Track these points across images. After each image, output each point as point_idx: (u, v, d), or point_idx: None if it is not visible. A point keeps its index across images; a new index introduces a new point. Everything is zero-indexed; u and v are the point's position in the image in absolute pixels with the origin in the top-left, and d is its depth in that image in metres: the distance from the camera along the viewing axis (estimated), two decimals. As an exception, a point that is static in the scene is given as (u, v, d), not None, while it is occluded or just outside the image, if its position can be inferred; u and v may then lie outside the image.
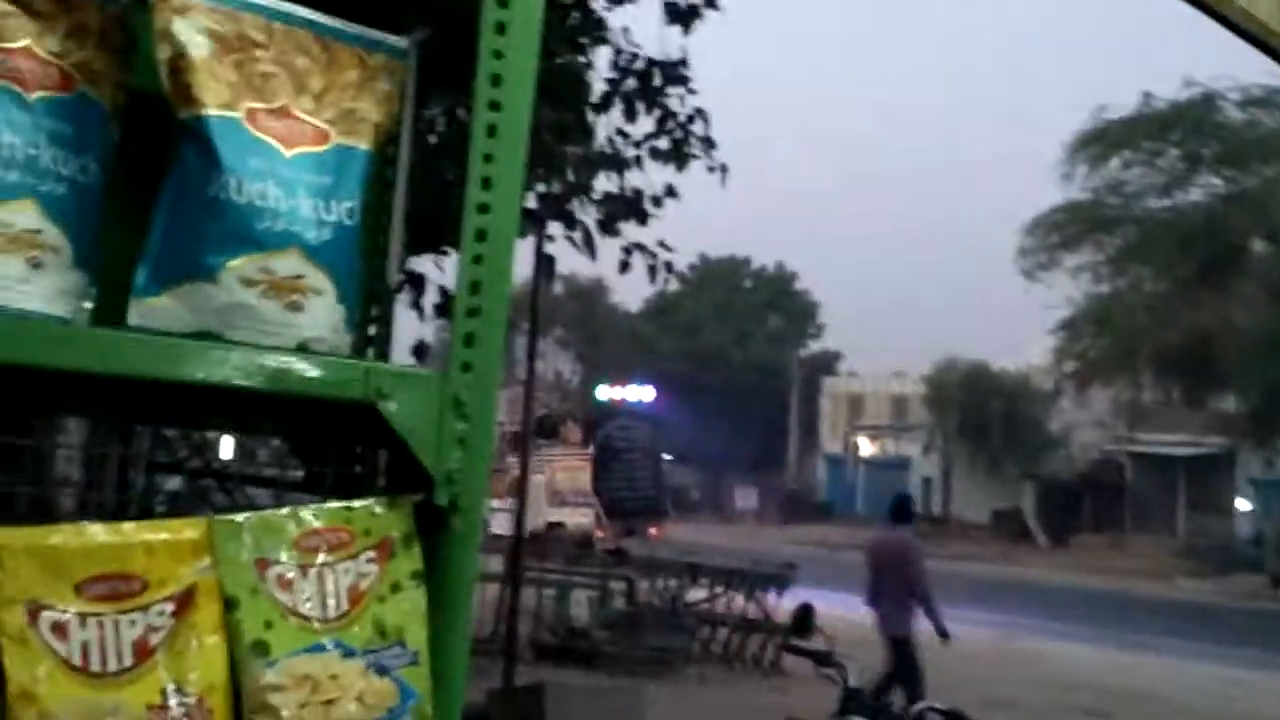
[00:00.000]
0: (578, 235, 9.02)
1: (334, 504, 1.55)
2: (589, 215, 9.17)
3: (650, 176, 9.92)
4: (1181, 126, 37.52)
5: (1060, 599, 28.20)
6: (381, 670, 1.52)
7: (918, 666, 10.84)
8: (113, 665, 1.36)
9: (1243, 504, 45.71)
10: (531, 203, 8.90)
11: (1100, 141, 38.68)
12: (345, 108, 1.59)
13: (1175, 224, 37.45)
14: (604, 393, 44.26)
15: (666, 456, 50.54)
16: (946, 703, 5.94)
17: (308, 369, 1.49)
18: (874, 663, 10.37)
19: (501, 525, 18.12)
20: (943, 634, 10.68)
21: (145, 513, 2.40)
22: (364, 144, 1.61)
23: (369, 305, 1.87)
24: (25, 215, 1.40)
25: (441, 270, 8.55)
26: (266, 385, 1.46)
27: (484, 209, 1.62)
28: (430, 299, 8.56)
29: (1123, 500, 47.93)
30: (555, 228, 9.10)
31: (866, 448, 56.52)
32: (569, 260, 10.64)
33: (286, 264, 1.50)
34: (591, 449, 30.54)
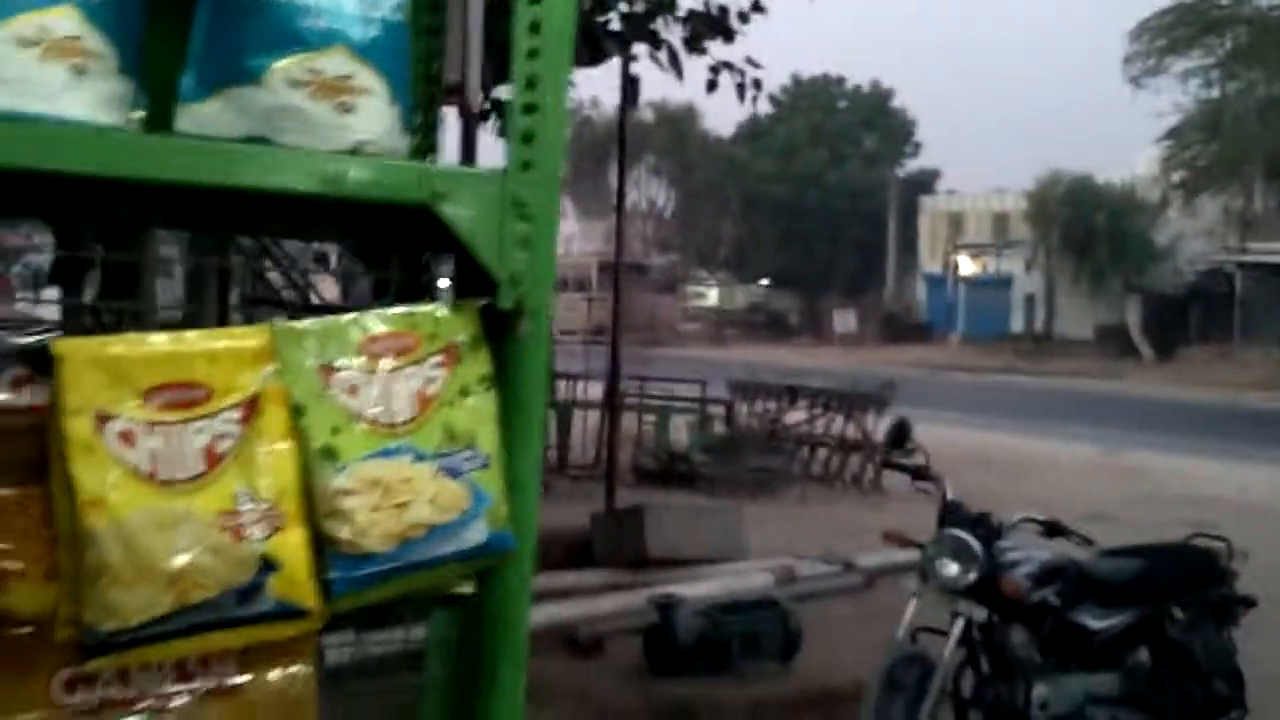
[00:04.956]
0: (663, 55, 8.80)
1: (397, 309, 1.53)
2: (674, 34, 8.93)
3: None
4: (1296, -82, 35.47)
5: (1165, 413, 27.81)
6: (453, 473, 1.51)
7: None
8: (181, 473, 1.37)
9: (1358, 311, 44.46)
10: (615, 24, 8.69)
11: (1210, -62, 36.78)
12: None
13: (1289, 23, 35.69)
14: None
15: (764, 281, 50.36)
16: (1045, 514, 5.90)
17: (361, 171, 1.45)
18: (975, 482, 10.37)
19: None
20: None
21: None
22: (408, -64, 1.55)
23: (426, 109, 1.83)
24: (64, 21, 1.37)
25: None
26: (320, 189, 1.43)
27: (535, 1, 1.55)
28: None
29: (1231, 312, 46.78)
30: (639, 49, 8.89)
31: (967, 266, 55.57)
32: (659, 86, 10.44)
33: (333, 63, 1.46)
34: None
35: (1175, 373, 41.50)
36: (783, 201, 56.91)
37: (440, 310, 1.55)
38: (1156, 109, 38.81)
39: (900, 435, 6.81)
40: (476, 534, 1.53)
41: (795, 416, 16.36)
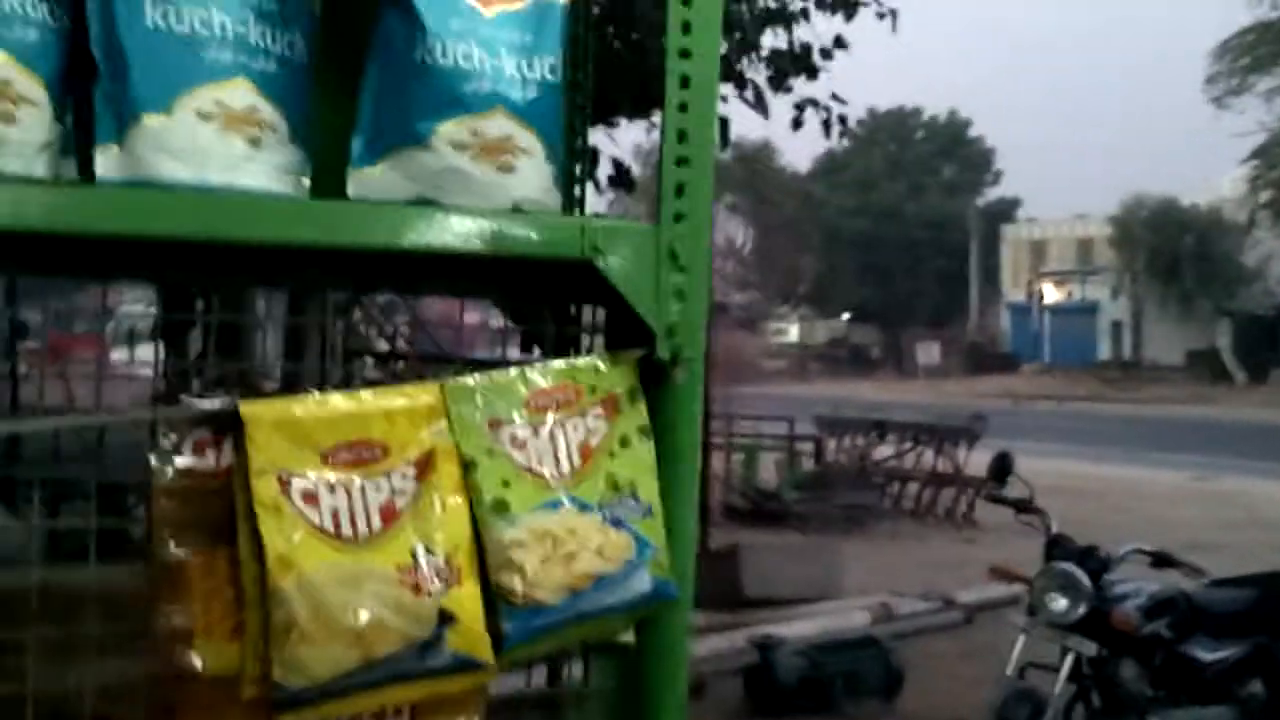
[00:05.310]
0: (748, 95, 8.85)
1: (558, 363, 1.55)
2: (758, 73, 8.98)
3: (817, 28, 9.63)
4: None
5: (1258, 437, 27.20)
6: (617, 523, 1.53)
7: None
8: (363, 529, 1.40)
9: None
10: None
11: (1291, -45, 36.20)
12: (543, -38, 1.56)
13: (1373, 37, 35.02)
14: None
15: (844, 315, 50.11)
16: (1151, 544, 5.81)
17: (525, 229, 1.48)
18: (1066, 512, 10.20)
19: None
20: None
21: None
22: (561, -2, 1.58)
23: (572, 163, 1.86)
24: (241, 94, 1.42)
25: (613, 141, 8.49)
26: (486, 248, 1.46)
27: (685, 54, 1.58)
28: (604, 171, 8.53)
29: (1328, 332, 45.83)
30: (725, 89, 8.94)
31: (1051, 294, 54.93)
32: (735, 124, 10.45)
33: (494, 125, 1.50)
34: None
35: (1268, 396, 40.62)
36: (862, 235, 56.69)
37: (600, 363, 1.57)
38: (1240, 129, 38.15)
39: (1003, 469, 6.74)
40: (641, 583, 1.55)
41: (884, 451, 16.24)
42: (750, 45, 8.96)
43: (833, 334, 57.62)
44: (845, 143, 11.28)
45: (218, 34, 1.40)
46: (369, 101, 1.49)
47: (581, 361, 1.56)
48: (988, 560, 10.21)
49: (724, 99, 8.84)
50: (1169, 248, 47.63)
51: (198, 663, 1.40)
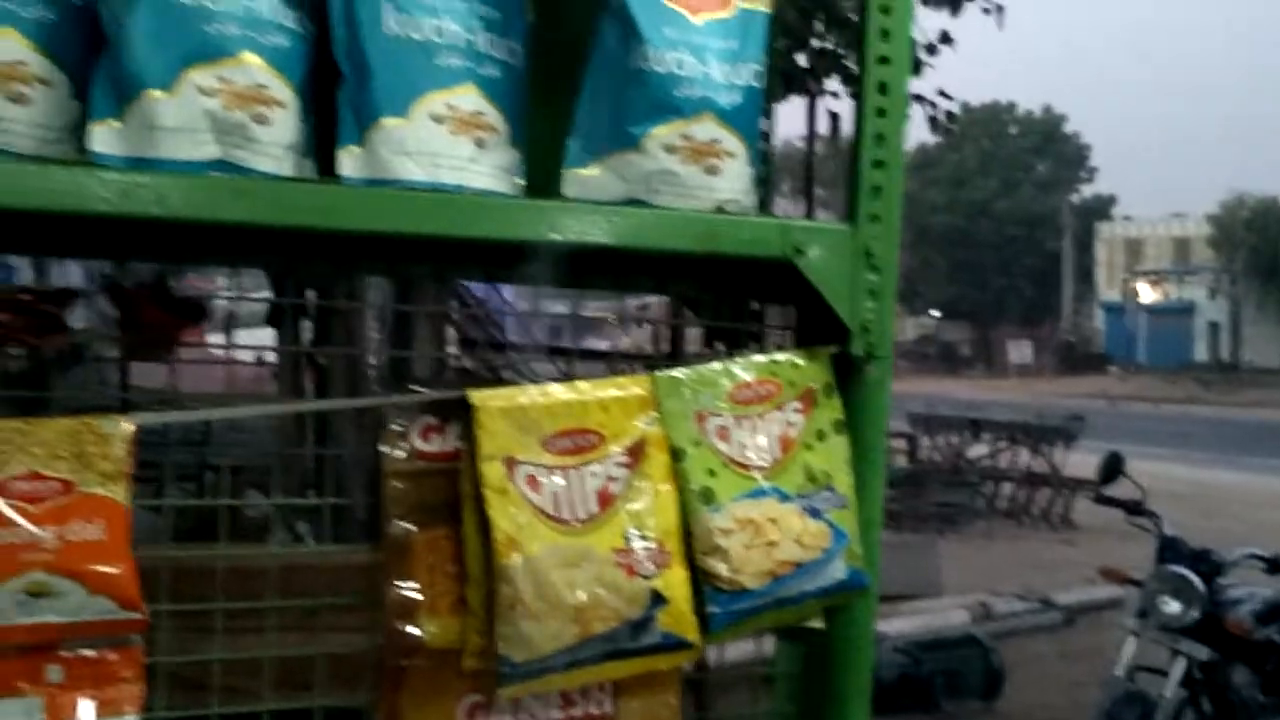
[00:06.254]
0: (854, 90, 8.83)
1: (760, 358, 1.62)
2: (865, 68, 8.96)
3: (923, 24, 9.60)
4: None
5: (1368, 441, 26.55)
6: (814, 513, 1.59)
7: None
8: (581, 513, 1.48)
9: None
10: (802, 60, 8.77)
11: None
12: (744, -29, 1.62)
13: None
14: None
15: (934, 313, 49.66)
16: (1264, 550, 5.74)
17: (733, 229, 1.55)
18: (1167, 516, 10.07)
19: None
20: None
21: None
22: (763, 5, 1.64)
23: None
24: (469, 98, 1.50)
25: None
26: (697, 246, 1.53)
27: (884, 60, 1.64)
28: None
29: None
30: (833, 84, 8.95)
31: (1147, 294, 54.04)
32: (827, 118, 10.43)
33: (703, 129, 1.56)
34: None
35: (1372, 400, 39.57)
36: (953, 231, 56.10)
37: (798, 358, 1.63)
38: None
39: (1113, 469, 6.69)
40: (837, 571, 1.61)
41: (978, 450, 16.12)
42: (857, 40, 8.95)
43: (922, 331, 57.17)
44: (937, 138, 11.22)
45: (449, 41, 1.48)
46: (585, 105, 1.56)
47: (781, 357, 1.63)
48: (1086, 562, 10.14)
49: (834, 94, 8.85)
50: (1270, 248, 46.65)
51: (423, 634, 1.48)
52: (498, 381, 1.60)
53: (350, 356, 7.25)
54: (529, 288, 1.83)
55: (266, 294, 4.35)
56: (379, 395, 1.54)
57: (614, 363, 1.76)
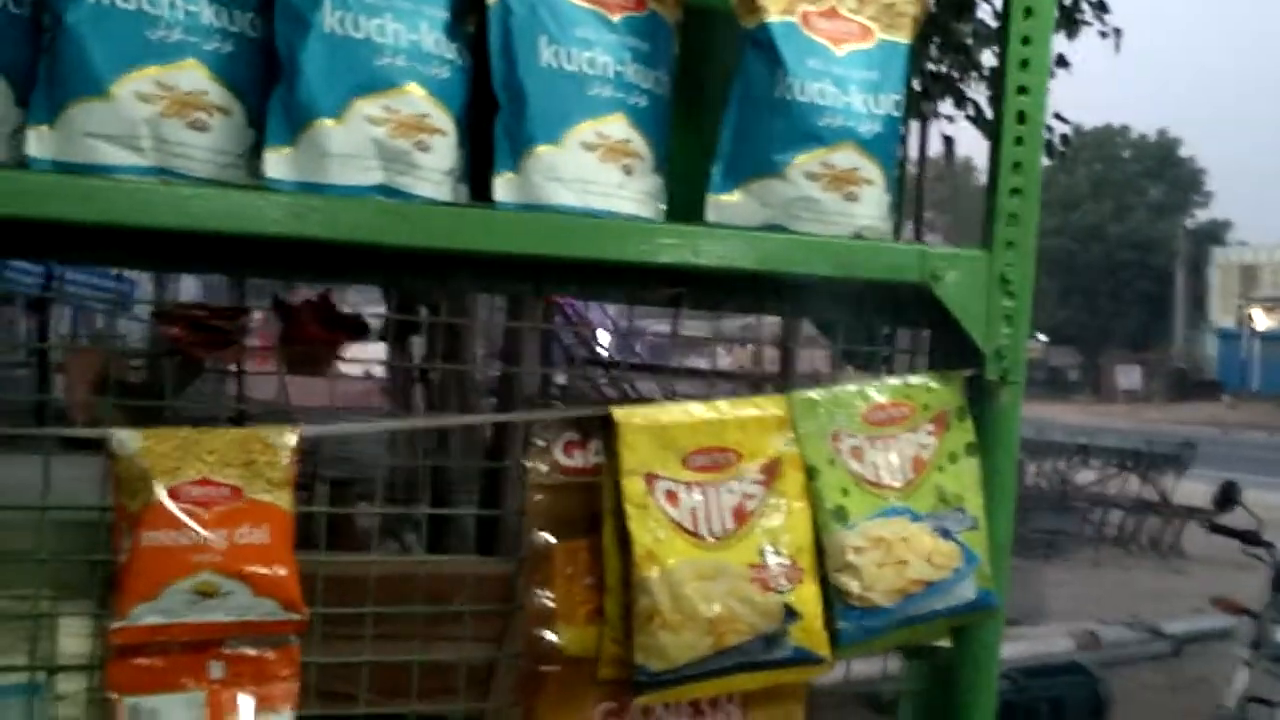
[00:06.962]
0: (968, 113, 8.80)
1: (894, 380, 1.65)
2: (979, 92, 8.93)
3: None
4: None
5: None
6: (945, 534, 1.62)
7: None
8: (717, 529, 1.53)
9: None
10: (915, 84, 8.76)
11: None
12: (885, 3, 1.66)
13: None
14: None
15: (1041, 337, 48.89)
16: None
17: (873, 254, 1.59)
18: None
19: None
20: None
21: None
22: (904, 37, 1.68)
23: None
24: (618, 127, 1.56)
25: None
26: (836, 271, 1.57)
27: (1023, 90, 1.66)
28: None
29: None
30: (945, 107, 8.92)
31: (1263, 321, 52.67)
32: (935, 141, 10.40)
33: (844, 157, 1.60)
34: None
35: None
36: (1063, 255, 55.18)
37: (932, 381, 1.66)
38: None
39: (1229, 498, 6.59)
40: (967, 591, 1.64)
41: (1086, 476, 15.86)
42: (972, 64, 8.91)
43: (1030, 355, 56.21)
44: (1049, 161, 11.11)
45: (600, 72, 1.54)
46: (729, 133, 1.61)
47: (915, 380, 1.66)
48: (1197, 592, 9.93)
49: (949, 118, 8.83)
50: (1392, 275, 45.26)
51: (559, 643, 1.53)
52: (602, 398, 1.65)
53: (460, 372, 7.40)
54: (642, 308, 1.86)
55: (380, 309, 4.48)
56: (525, 411, 1.60)
57: (715, 381, 1.79)
